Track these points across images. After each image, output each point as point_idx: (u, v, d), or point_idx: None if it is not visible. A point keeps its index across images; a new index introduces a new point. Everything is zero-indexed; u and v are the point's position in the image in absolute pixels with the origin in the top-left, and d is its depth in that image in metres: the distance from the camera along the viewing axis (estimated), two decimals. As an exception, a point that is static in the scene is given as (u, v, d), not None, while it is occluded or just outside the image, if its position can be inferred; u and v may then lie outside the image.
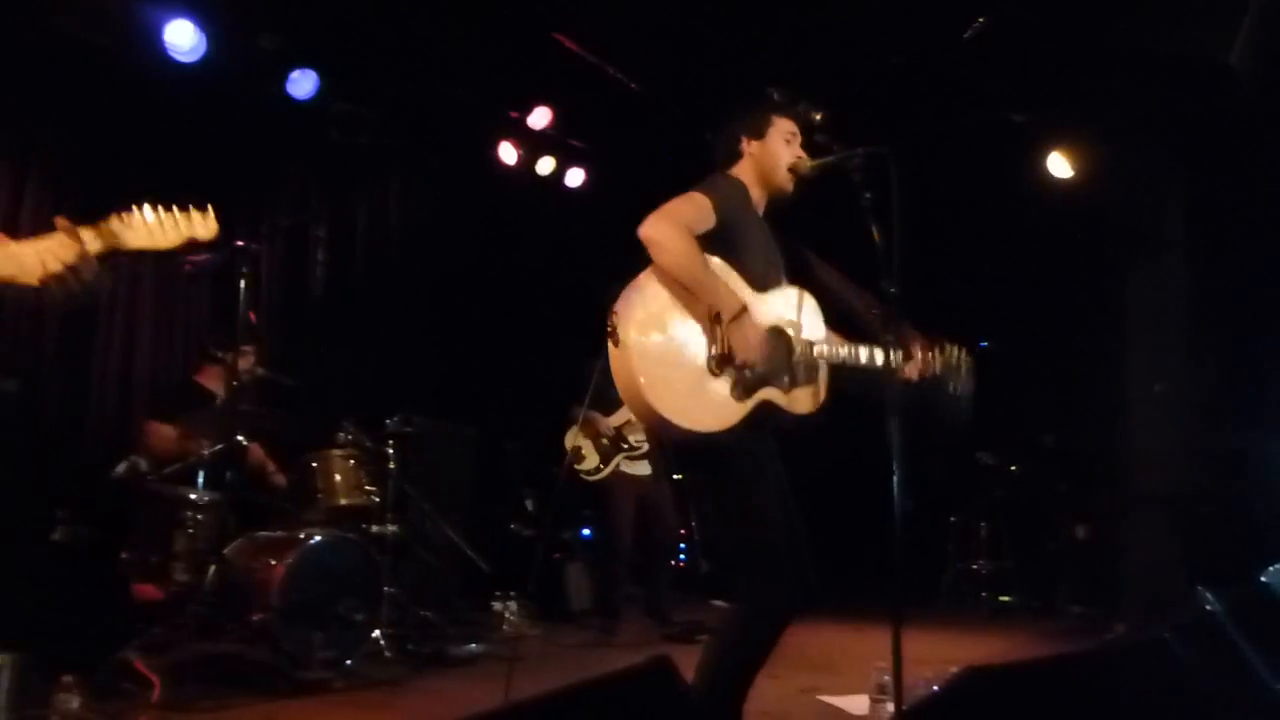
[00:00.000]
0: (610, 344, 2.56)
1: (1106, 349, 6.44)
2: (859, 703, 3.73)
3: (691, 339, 2.61)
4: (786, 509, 2.69)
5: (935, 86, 6.20)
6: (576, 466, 5.56)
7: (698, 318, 2.62)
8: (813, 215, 3.37)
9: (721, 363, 2.61)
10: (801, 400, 2.77)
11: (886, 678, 3.44)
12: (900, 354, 2.89)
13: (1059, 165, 6.39)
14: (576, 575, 6.44)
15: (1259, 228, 5.53)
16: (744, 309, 2.61)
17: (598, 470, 5.56)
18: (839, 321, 3.00)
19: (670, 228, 2.58)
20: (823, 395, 2.86)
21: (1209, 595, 2.85)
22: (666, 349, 2.57)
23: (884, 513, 2.64)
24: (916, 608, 6.28)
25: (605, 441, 5.57)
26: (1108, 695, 2.05)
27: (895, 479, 2.60)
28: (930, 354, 3.00)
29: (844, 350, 2.87)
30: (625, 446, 5.54)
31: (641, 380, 2.50)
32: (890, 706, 3.33)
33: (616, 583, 5.66)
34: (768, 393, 2.68)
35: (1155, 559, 5.84)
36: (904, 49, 5.98)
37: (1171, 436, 5.95)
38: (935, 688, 3.37)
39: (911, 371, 2.96)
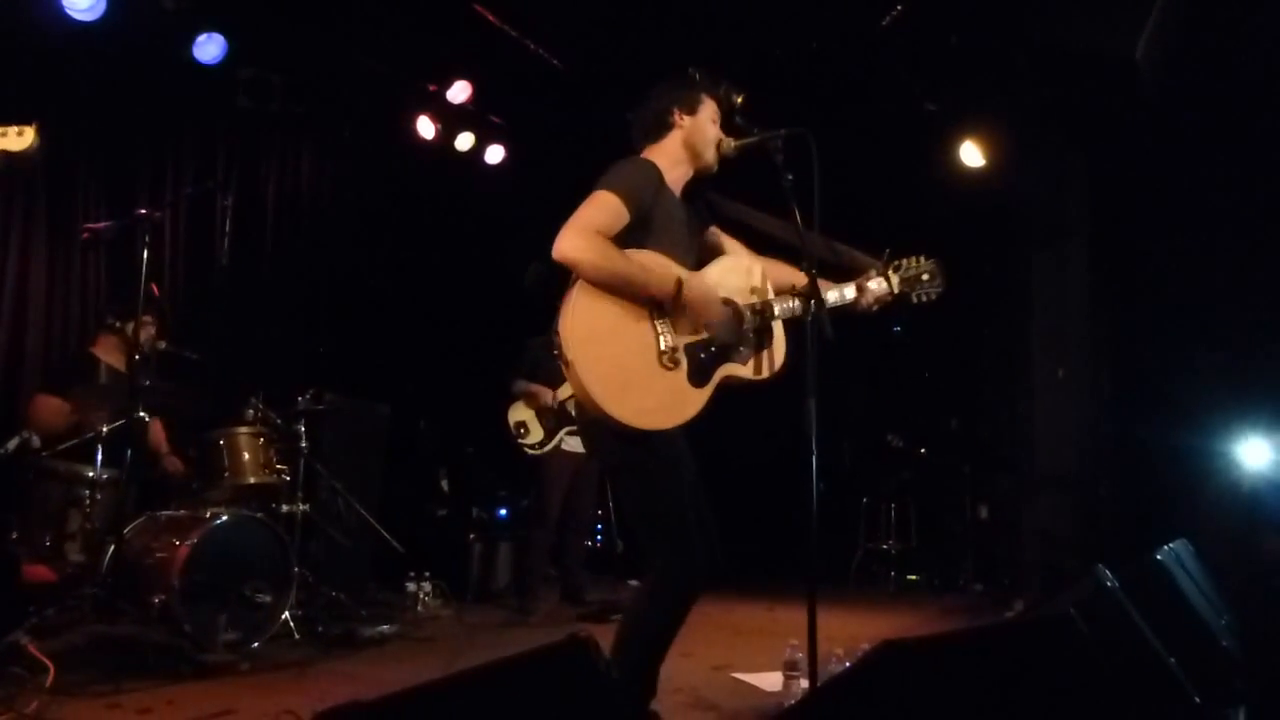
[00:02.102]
0: (563, 367, 2.53)
1: (1011, 335, 6.63)
2: (772, 679, 3.77)
3: (637, 342, 2.58)
4: (696, 494, 2.71)
5: (851, 73, 6.27)
6: (520, 440, 5.47)
7: (637, 318, 2.60)
8: (733, 197, 3.37)
9: (676, 353, 2.60)
10: (762, 363, 2.77)
11: (799, 654, 3.48)
12: (851, 290, 2.92)
13: (971, 154, 6.53)
14: (491, 555, 6.37)
15: (1159, 220, 5.75)
16: (679, 280, 2.60)
17: (542, 445, 5.48)
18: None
19: (582, 240, 2.54)
20: (781, 354, 2.84)
21: (1107, 572, 2.95)
22: (614, 359, 2.54)
23: (794, 494, 2.65)
24: (827, 586, 6.40)
25: (550, 415, 5.48)
26: (1016, 668, 2.10)
27: (814, 460, 2.61)
28: (885, 278, 2.99)
29: (790, 303, 2.83)
30: (569, 421, 5.44)
31: (597, 396, 2.49)
32: (803, 682, 3.37)
33: (540, 559, 5.59)
34: (728, 368, 2.69)
35: (1053, 538, 6.05)
36: (821, 34, 6.03)
37: (1071, 421, 6.16)
38: (847, 663, 3.44)
39: (868, 301, 2.96)
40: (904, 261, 3.05)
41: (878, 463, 7.42)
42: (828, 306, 2.80)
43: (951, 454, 7.29)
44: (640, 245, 2.68)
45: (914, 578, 7.19)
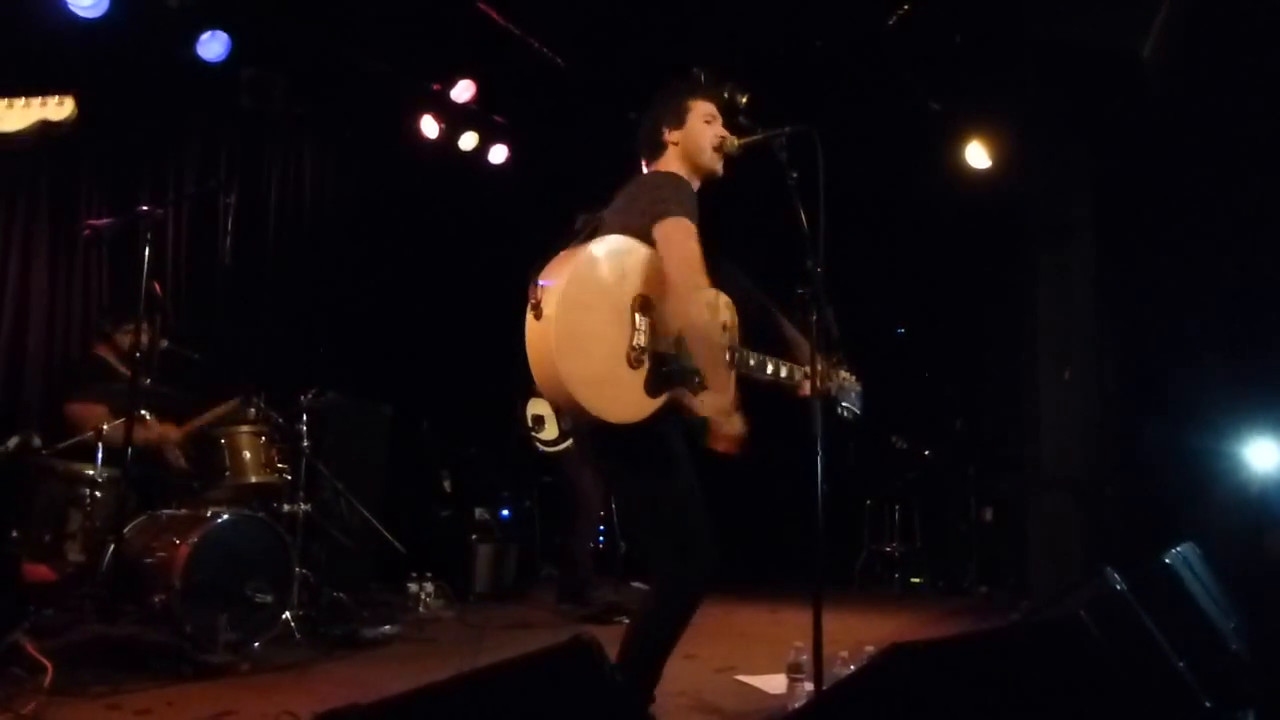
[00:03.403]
0: (530, 315, 2.50)
1: (1016, 336, 6.60)
2: (776, 682, 3.74)
3: (614, 326, 2.56)
4: (693, 496, 2.68)
5: (857, 72, 6.24)
6: (536, 436, 5.44)
7: (623, 306, 2.58)
8: (737, 195, 3.35)
9: (643, 355, 2.58)
10: (707, 403, 2.74)
11: (804, 657, 3.45)
12: (800, 367, 2.95)
13: (977, 155, 6.50)
14: (494, 556, 6.35)
15: (1166, 220, 5.72)
16: (732, 354, 2.66)
17: (556, 442, 5.44)
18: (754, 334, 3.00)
19: (694, 247, 2.58)
20: (729, 400, 2.83)
21: (1116, 575, 2.93)
22: (588, 331, 2.52)
23: (799, 496, 2.63)
24: (831, 588, 6.37)
25: None
26: (1024, 671, 2.08)
27: (819, 462, 2.59)
28: (827, 376, 3.02)
29: (755, 360, 2.87)
30: None
31: (558, 356, 2.45)
32: (807, 685, 3.34)
33: (586, 550, 5.57)
34: (676, 391, 2.66)
35: (1059, 541, 6.01)
36: (826, 33, 6.00)
37: (1077, 422, 6.12)
38: (852, 666, 3.41)
39: (806, 388, 2.97)
40: (844, 371, 3.10)
41: (882, 464, 7.39)
42: (766, 374, 2.88)
43: (956, 455, 7.26)
44: None
45: (918, 580, 7.16)
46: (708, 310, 2.79)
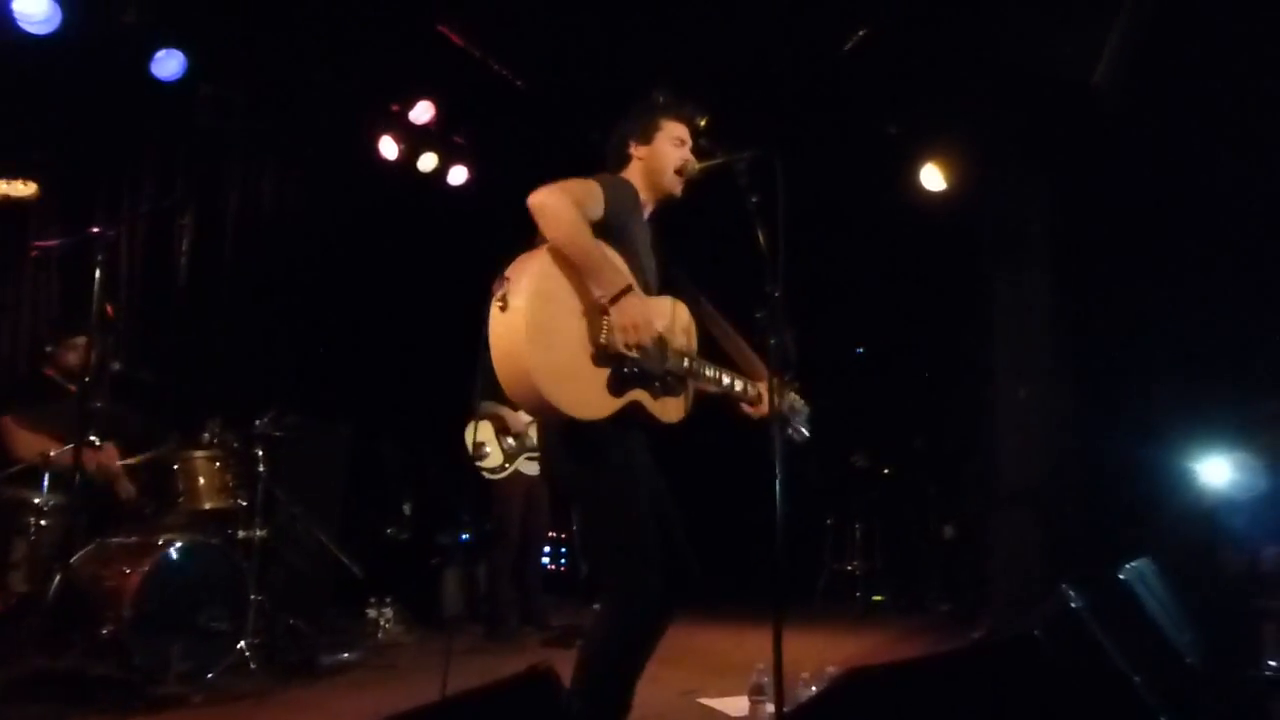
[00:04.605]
0: (496, 307, 2.47)
1: (974, 355, 6.68)
2: (739, 704, 3.73)
3: (579, 321, 2.54)
4: (658, 504, 2.67)
5: (815, 95, 6.31)
6: (479, 464, 5.36)
7: (590, 304, 2.56)
8: (697, 218, 3.37)
9: (608, 353, 2.56)
10: (667, 409, 2.75)
11: (765, 679, 3.45)
12: (754, 386, 2.98)
13: (932, 177, 6.59)
14: (455, 579, 6.28)
15: (1118, 241, 5.82)
16: (630, 286, 2.56)
17: (501, 469, 5.36)
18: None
19: (563, 200, 2.52)
20: (685, 409, 2.84)
21: (1071, 592, 2.95)
22: (554, 324, 2.49)
23: (759, 515, 2.62)
24: (793, 608, 6.38)
25: (511, 440, 5.38)
26: (981, 692, 2.09)
27: (778, 481, 2.59)
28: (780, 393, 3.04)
29: (710, 370, 2.88)
30: (530, 446, 5.35)
31: (526, 345, 2.42)
32: (769, 708, 3.34)
33: (505, 582, 5.50)
34: (638, 394, 2.65)
35: (1018, 557, 6.07)
36: (784, 57, 6.07)
37: (1034, 440, 6.20)
38: (814, 688, 3.41)
39: (760, 409, 3.00)
40: (793, 394, 3.11)
41: (843, 482, 7.43)
42: (721, 385, 2.90)
43: (916, 473, 7.32)
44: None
45: (880, 598, 7.19)
46: (664, 316, 2.80)
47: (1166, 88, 5.16)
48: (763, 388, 2.99)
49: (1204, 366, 5.32)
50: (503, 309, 2.45)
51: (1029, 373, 6.07)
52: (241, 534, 4.54)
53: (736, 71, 6.00)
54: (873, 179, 6.83)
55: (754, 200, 2.76)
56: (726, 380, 2.92)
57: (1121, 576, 3.23)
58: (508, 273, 2.51)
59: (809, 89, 6.24)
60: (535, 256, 2.53)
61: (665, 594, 2.57)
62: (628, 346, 2.55)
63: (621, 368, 2.60)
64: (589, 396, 2.54)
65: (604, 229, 2.63)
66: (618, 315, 2.51)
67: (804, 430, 3.14)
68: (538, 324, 2.45)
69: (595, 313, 2.56)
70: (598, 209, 2.62)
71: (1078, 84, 4.63)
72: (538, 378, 2.43)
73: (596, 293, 2.54)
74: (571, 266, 2.54)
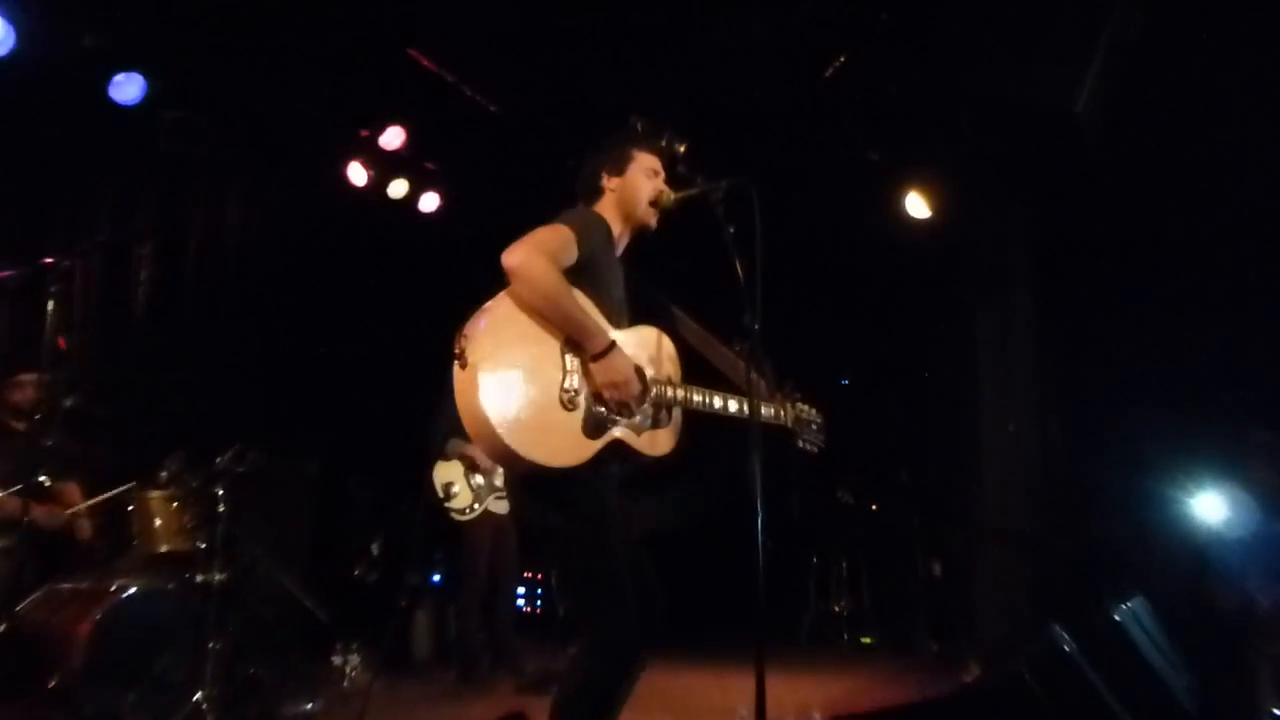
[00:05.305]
0: (456, 366, 2.49)
1: (959, 387, 6.70)
2: (720, 752, 3.68)
3: (544, 369, 2.56)
4: (630, 545, 2.67)
5: (794, 122, 6.35)
6: (447, 504, 5.31)
7: (552, 348, 2.58)
8: (674, 248, 3.37)
9: (577, 396, 2.57)
10: (652, 443, 2.75)
11: (748, 725, 3.40)
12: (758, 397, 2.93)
13: (916, 205, 6.62)
14: (425, 623, 6.19)
15: (1104, 270, 5.88)
16: (613, 344, 2.61)
17: (470, 509, 5.32)
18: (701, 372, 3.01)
19: (538, 259, 2.54)
20: (674, 440, 2.85)
21: (1063, 633, 2.94)
22: (517, 377, 2.51)
23: (743, 553, 2.61)
24: (778, 650, 6.32)
25: (480, 478, 5.34)
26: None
27: (759, 519, 2.58)
28: (782, 409, 3.05)
29: (699, 396, 2.87)
30: (499, 486, 5.30)
31: (486, 406, 2.44)
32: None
33: (474, 625, 5.44)
34: (619, 432, 2.65)
35: (1007, 594, 6.07)
36: (764, 84, 6.11)
37: (1021, 473, 6.22)
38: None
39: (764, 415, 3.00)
40: (800, 402, 3.13)
41: (827, 518, 7.41)
42: (711, 410, 2.88)
43: (902, 508, 7.31)
44: (582, 292, 2.67)
45: (868, 640, 7.14)
46: (647, 346, 2.81)
47: (1149, 115, 5.23)
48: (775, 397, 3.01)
49: (1195, 396, 5.36)
50: (463, 367, 2.47)
51: (1014, 404, 6.10)
52: (200, 578, 4.43)
53: (714, 98, 6.03)
54: (853, 207, 6.87)
55: (730, 230, 2.77)
56: (718, 403, 2.92)
57: (1115, 616, 3.23)
58: (465, 329, 2.53)
59: (788, 116, 6.27)
60: (493, 307, 2.55)
61: (641, 635, 2.57)
62: (610, 404, 2.58)
63: (597, 407, 2.61)
64: (563, 444, 2.54)
65: (576, 269, 2.66)
66: (601, 375, 2.57)
67: (817, 440, 3.13)
68: (499, 378, 2.47)
69: (558, 357, 2.58)
70: (572, 255, 2.65)
71: (1059, 113, 4.69)
72: (505, 433, 2.44)
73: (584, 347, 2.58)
74: (543, 315, 2.56)
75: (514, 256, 2.53)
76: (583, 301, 2.65)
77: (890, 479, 7.43)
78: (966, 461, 6.46)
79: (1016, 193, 6.23)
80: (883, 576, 7.34)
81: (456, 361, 2.49)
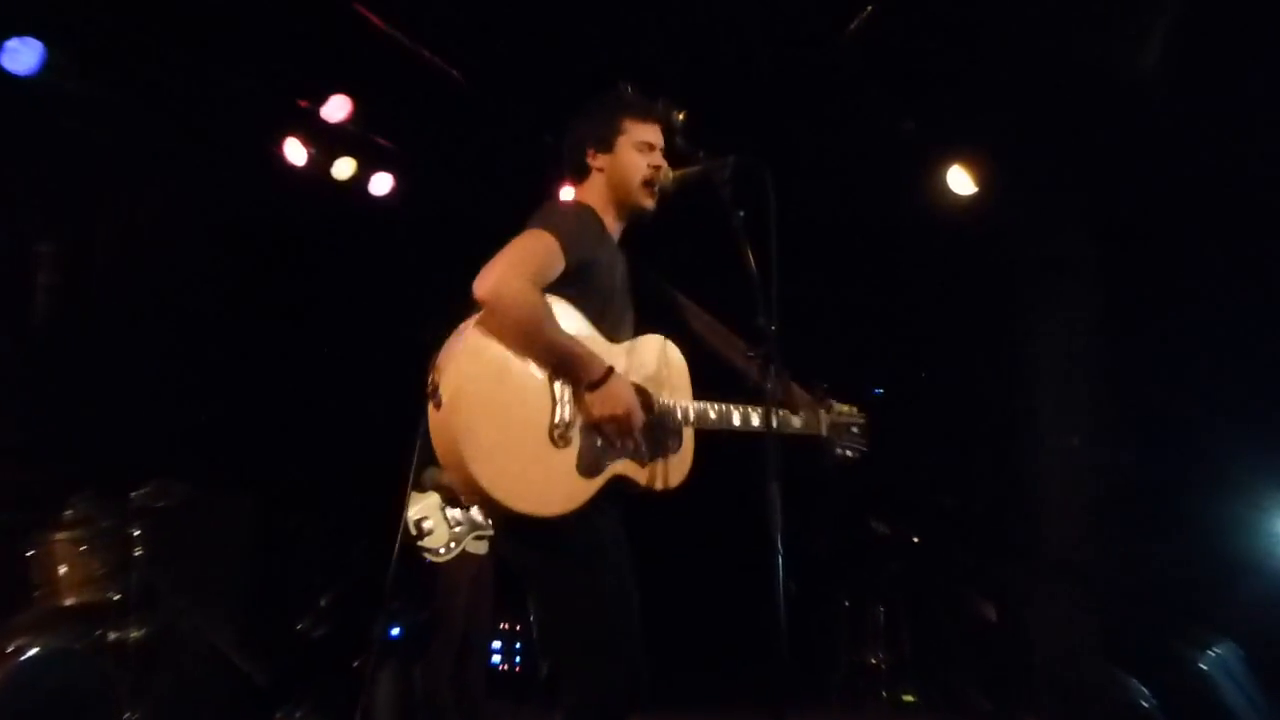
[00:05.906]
0: (430, 406, 2.50)
1: (1012, 396, 6.71)
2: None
3: (530, 401, 2.57)
4: (625, 598, 2.69)
5: (811, 87, 6.36)
6: (420, 542, 5.31)
7: (539, 376, 2.59)
8: (673, 237, 3.36)
9: (569, 431, 2.58)
10: (661, 475, 2.76)
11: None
12: (781, 410, 2.94)
13: (959, 180, 6.61)
14: (383, 682, 6.18)
15: (1181, 260, 5.85)
16: (610, 370, 2.61)
17: (446, 549, 5.32)
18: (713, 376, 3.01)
19: (512, 285, 2.54)
20: (686, 469, 2.86)
21: (1141, 687, 2.93)
22: (499, 414, 2.51)
23: (763, 595, 2.61)
24: (804, 709, 6.31)
25: (459, 513, 5.34)
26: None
27: (779, 557, 2.57)
28: (814, 414, 3.07)
29: (714, 413, 2.87)
30: (480, 522, 5.31)
31: (466, 451, 2.44)
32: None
33: (443, 680, 5.43)
34: (621, 465, 2.67)
35: (1071, 640, 6.06)
36: (774, 42, 6.12)
37: (1084, 497, 6.22)
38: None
39: (789, 433, 3.05)
40: (836, 404, 3.20)
41: (860, 555, 7.41)
42: (730, 427, 2.91)
43: (947, 541, 7.30)
44: (572, 301, 2.69)
45: (910, 698, 7.14)
46: (650, 362, 2.81)
47: (1231, 79, 5.22)
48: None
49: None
50: (437, 407, 2.48)
51: (1076, 418, 6.10)
52: (113, 635, 4.45)
53: (718, 59, 6.05)
54: (884, 187, 6.87)
55: (739, 215, 2.77)
56: (738, 419, 2.93)
57: (1201, 665, 3.23)
58: (438, 359, 2.54)
59: (805, 80, 6.29)
60: (463, 334, 2.56)
61: (630, 702, 2.60)
62: (609, 437, 2.61)
63: (594, 440, 2.63)
64: (555, 487, 2.56)
65: (565, 279, 2.67)
66: (598, 406, 2.58)
67: (858, 445, 3.16)
68: (475, 418, 2.47)
69: (545, 386, 2.59)
70: (558, 267, 2.65)
71: (1124, 78, 4.70)
72: (489, 484, 2.45)
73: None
74: (528, 349, 2.57)
75: (484, 285, 2.53)
76: (576, 317, 2.67)
77: (933, 506, 7.43)
78: (1022, 486, 6.46)
79: (1074, 168, 6.23)
80: (925, 622, 7.34)
81: (430, 399, 2.50)
